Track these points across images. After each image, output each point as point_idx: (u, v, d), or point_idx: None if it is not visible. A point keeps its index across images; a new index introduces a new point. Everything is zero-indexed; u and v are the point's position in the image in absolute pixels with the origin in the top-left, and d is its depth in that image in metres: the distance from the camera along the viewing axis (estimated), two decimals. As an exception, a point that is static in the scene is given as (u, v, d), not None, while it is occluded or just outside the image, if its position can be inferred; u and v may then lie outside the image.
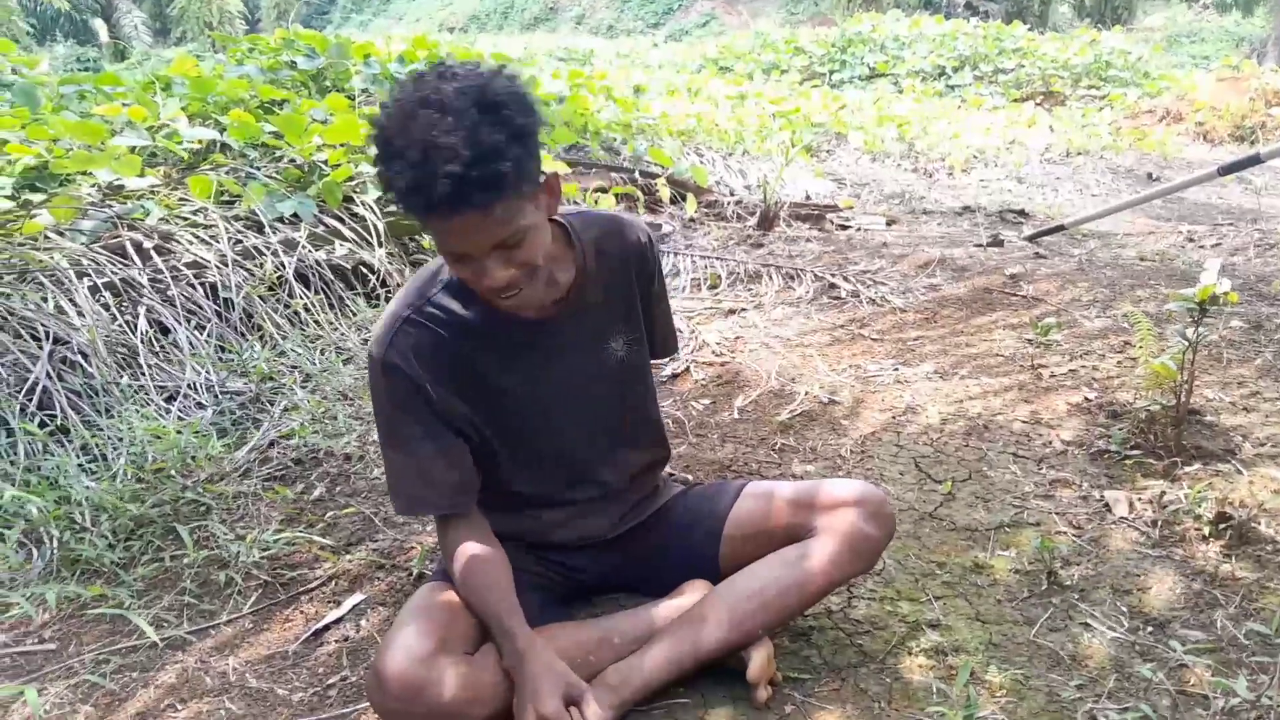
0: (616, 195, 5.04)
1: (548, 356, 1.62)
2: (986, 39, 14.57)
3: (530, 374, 1.61)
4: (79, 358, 2.85)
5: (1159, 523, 2.16)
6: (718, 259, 4.48)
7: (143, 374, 2.93)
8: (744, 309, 3.97)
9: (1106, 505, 2.27)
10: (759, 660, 1.59)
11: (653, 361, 1.84)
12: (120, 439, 2.60)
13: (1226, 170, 4.05)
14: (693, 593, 1.74)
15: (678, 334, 1.95)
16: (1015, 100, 12.07)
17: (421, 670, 1.41)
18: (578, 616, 1.77)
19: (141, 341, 3.02)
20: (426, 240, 4.12)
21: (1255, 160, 3.85)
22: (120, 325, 3.08)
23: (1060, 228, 5.06)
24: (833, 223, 5.50)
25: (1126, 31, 19.64)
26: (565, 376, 1.64)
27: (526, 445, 1.66)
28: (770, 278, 4.26)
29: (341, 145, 4.27)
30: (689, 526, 1.80)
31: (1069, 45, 14.71)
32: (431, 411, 1.56)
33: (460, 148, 1.23)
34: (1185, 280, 4.07)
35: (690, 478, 2.45)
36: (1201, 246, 5.00)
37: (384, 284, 3.85)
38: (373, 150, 1.32)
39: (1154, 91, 12.54)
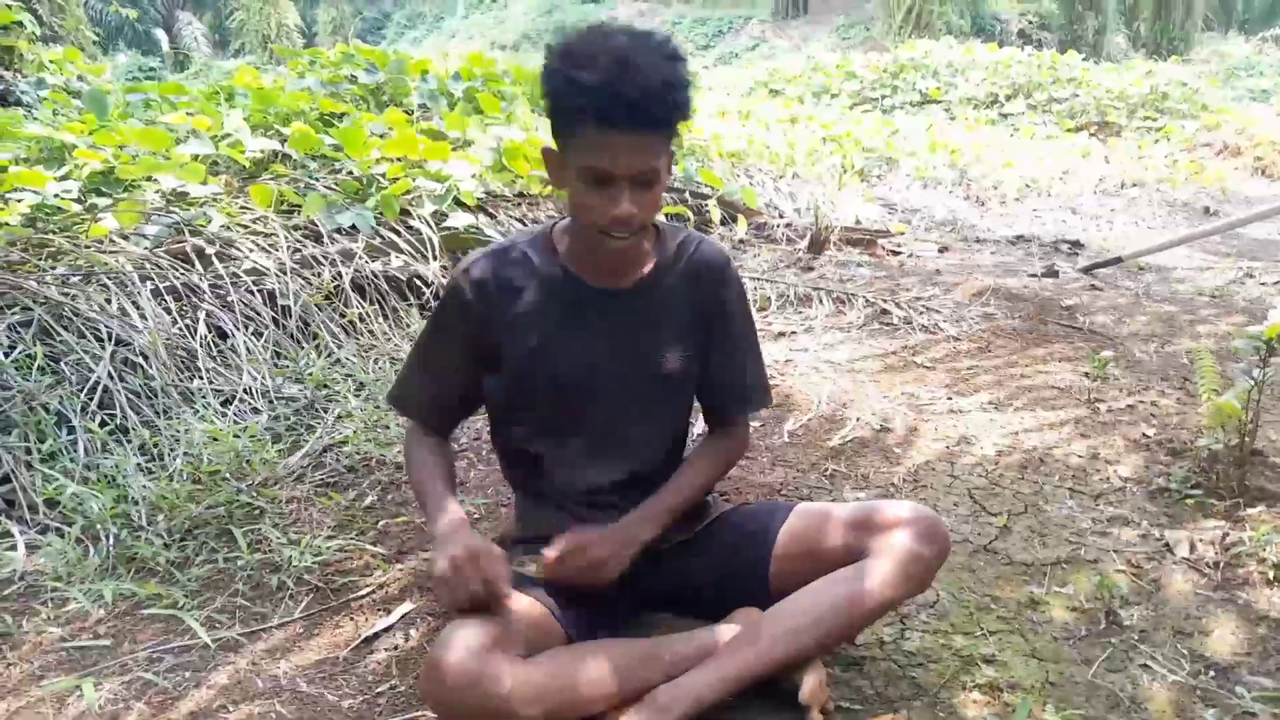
0: (667, 215, 5.06)
1: (603, 331, 1.67)
2: (1040, 68, 14.44)
3: (582, 342, 1.67)
4: (140, 359, 2.90)
5: (1221, 565, 2.11)
6: (768, 281, 4.47)
7: (200, 377, 2.98)
8: (794, 332, 3.95)
9: (1167, 545, 2.23)
10: (812, 683, 1.57)
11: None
12: (177, 440, 2.64)
13: (1292, 206, 3.97)
14: (744, 619, 1.72)
15: (764, 387, 1.88)
16: (1069, 130, 11.94)
17: (478, 664, 1.40)
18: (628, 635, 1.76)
19: (200, 345, 3.07)
20: (479, 254, 4.16)
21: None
22: (180, 329, 3.13)
23: (1117, 260, 4.99)
24: (884, 248, 5.47)
25: (1183, 63, 19.38)
26: (610, 352, 1.68)
27: (554, 414, 1.71)
28: (821, 301, 4.24)
29: (399, 159, 4.34)
30: (738, 545, 1.79)
31: (1124, 76, 14.54)
32: (463, 337, 1.68)
33: (658, 69, 1.38)
34: (1246, 317, 3.99)
35: (730, 499, 2.44)
36: (1262, 283, 4.90)
37: (437, 296, 3.88)
38: (552, 63, 1.43)
39: (1211, 125, 12.33)
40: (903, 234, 6.02)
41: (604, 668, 1.50)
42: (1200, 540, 2.21)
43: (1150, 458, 2.69)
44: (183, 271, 3.33)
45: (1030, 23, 26.72)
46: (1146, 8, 26.01)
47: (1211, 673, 1.76)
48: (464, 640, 1.42)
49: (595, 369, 1.68)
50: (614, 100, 1.37)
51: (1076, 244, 6.01)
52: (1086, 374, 3.39)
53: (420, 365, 1.76)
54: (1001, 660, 1.80)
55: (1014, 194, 7.88)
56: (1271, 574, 2.02)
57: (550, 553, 1.61)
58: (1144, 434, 2.84)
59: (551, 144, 1.54)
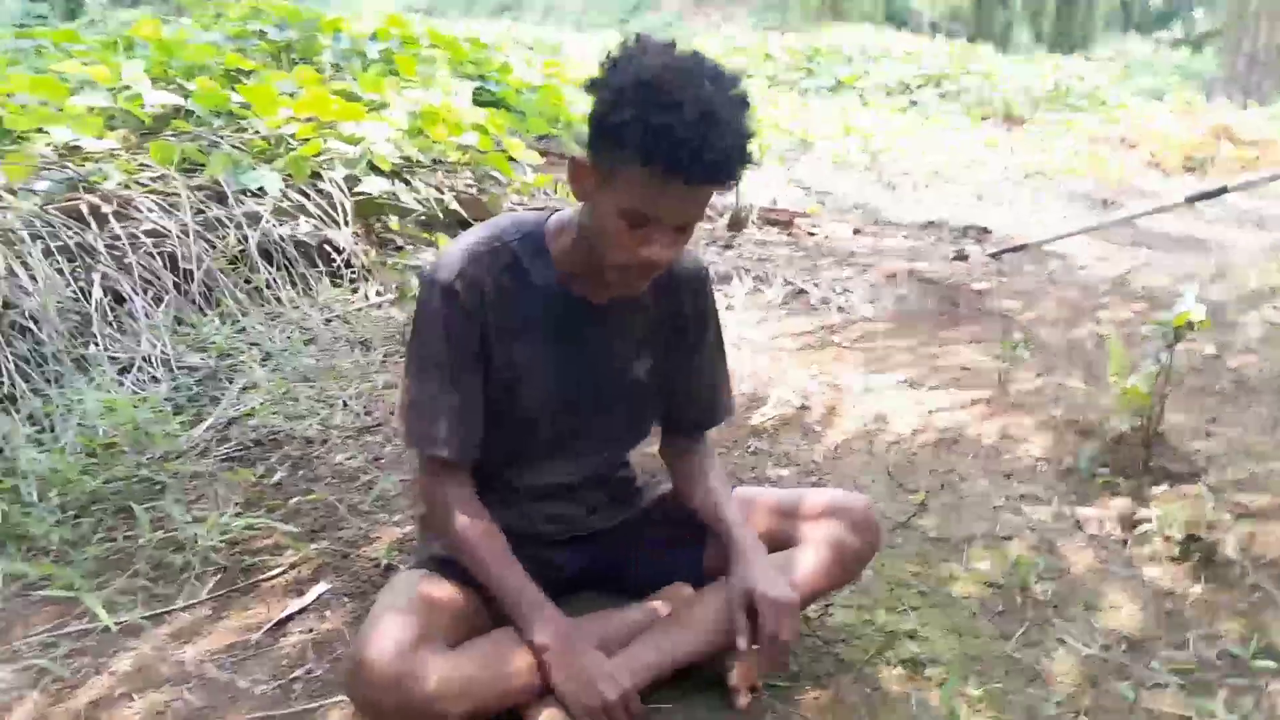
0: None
1: (583, 345, 1.58)
2: (951, 58, 14.74)
3: (561, 353, 1.57)
4: (30, 323, 2.73)
5: (1129, 542, 2.18)
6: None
7: (96, 343, 2.82)
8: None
9: (1077, 522, 2.29)
10: (742, 667, 1.56)
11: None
12: (70, 410, 2.49)
13: (1195, 199, 4.13)
14: (675, 597, 1.71)
15: (730, 399, 1.81)
16: (977, 120, 12.22)
17: (402, 662, 1.36)
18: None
19: (95, 310, 2.91)
20: (395, 222, 4.04)
21: (1223, 191, 3.93)
22: (74, 291, 2.95)
23: (1024, 246, 5.12)
24: (801, 228, 5.51)
25: (1086, 59, 20.03)
26: (589, 367, 1.60)
27: (523, 415, 1.60)
28: (740, 279, 4.24)
29: (310, 119, 4.17)
30: (673, 528, 1.77)
31: (1030, 69, 14.96)
32: (473, 351, 1.51)
33: (740, 127, 1.29)
34: (1144, 303, 4.14)
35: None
36: (1158, 272, 5.09)
37: (348, 264, 3.75)
38: (620, 87, 1.27)
39: (1111, 120, 12.77)
40: (818, 215, 6.07)
41: (529, 655, 1.46)
42: (1108, 518, 2.28)
43: (1059, 438, 2.76)
44: (77, 231, 3.14)
45: (942, 14, 27.28)
46: (1051, 4, 26.79)
47: (1123, 646, 1.81)
48: (388, 634, 1.37)
49: (576, 383, 1.60)
50: (693, 157, 1.24)
51: (984, 230, 6.15)
52: (997, 356, 3.47)
53: (435, 389, 1.51)
54: (923, 635, 1.83)
55: (924, 180, 8.03)
56: (1175, 551, 2.10)
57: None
58: (1052, 415, 2.91)
59: (583, 156, 1.39)
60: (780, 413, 2.86)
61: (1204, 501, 2.29)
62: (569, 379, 1.59)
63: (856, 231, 5.78)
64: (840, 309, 4.00)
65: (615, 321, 1.59)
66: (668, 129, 1.24)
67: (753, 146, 1.33)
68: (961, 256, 5.08)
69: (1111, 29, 29.50)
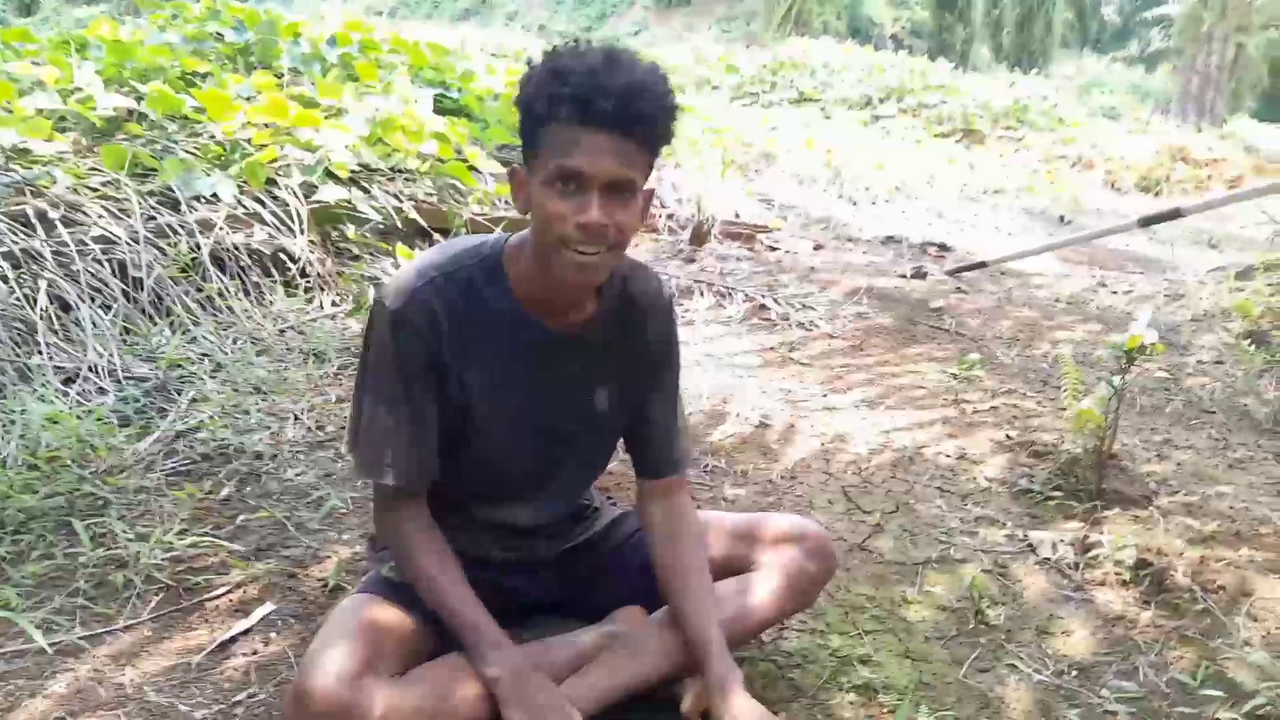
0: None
1: (542, 373, 1.53)
2: (913, 73, 14.93)
3: (519, 381, 1.53)
4: (-30, 331, 2.65)
5: (1080, 566, 2.20)
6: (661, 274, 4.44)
7: (40, 353, 2.74)
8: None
9: (1030, 546, 2.31)
10: (694, 692, 1.55)
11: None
12: (12, 422, 2.42)
13: (1147, 222, 4.20)
14: (626, 620, 1.69)
15: (687, 450, 1.72)
16: (937, 135, 12.38)
17: (347, 692, 1.32)
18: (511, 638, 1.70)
19: (40, 318, 2.83)
20: (352, 231, 3.99)
21: (1176, 214, 4.00)
22: (18, 299, 2.87)
23: (982, 264, 5.18)
24: (762, 243, 5.53)
25: (1044, 77, 20.38)
26: (548, 398, 1.56)
27: (481, 449, 1.57)
28: (701, 294, 4.25)
29: (267, 125, 4.11)
30: (628, 551, 1.75)
31: (989, 86, 15.20)
32: (424, 379, 1.47)
33: (644, 72, 1.32)
34: (1100, 324, 4.21)
35: (617, 503, 2.40)
36: (1114, 292, 5.18)
37: (304, 273, 3.70)
38: (540, 61, 1.35)
39: (1067, 139, 13.02)
40: (780, 230, 6.10)
41: (477, 684, 1.43)
42: (1061, 541, 2.30)
43: (1014, 459, 2.79)
44: (22, 236, 3.06)
45: (903, 29, 27.64)
46: (1010, 21, 27.24)
47: (1074, 672, 1.82)
48: (332, 664, 1.33)
49: (534, 415, 1.55)
50: (597, 89, 1.28)
51: (943, 246, 6.23)
52: (954, 375, 3.50)
53: (391, 418, 1.47)
54: (876, 661, 1.82)
55: (884, 195, 8.12)
56: (1126, 575, 2.12)
57: None
58: (1007, 435, 2.94)
59: (519, 165, 1.41)
60: (739, 430, 2.86)
61: (1155, 526, 2.33)
62: (526, 406, 1.55)
63: (818, 247, 5.82)
64: (801, 325, 4.01)
65: (575, 348, 1.54)
66: (566, 74, 1.30)
67: (666, 105, 1.34)
68: (920, 274, 5.13)
69: (1070, 47, 30.06)
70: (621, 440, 1.72)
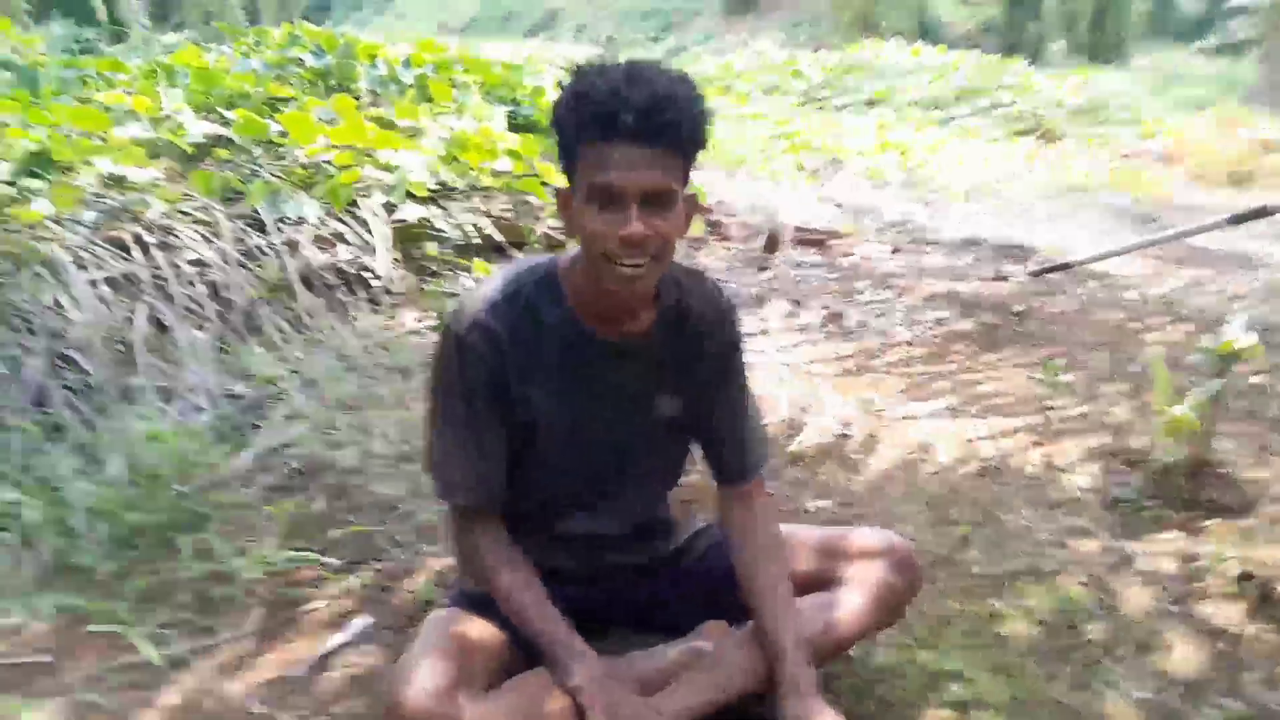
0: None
1: (606, 385, 1.56)
2: (985, 72, 14.64)
3: (584, 395, 1.55)
4: (75, 353, 2.77)
5: (1180, 578, 2.13)
6: (723, 281, 4.44)
7: (140, 373, 2.86)
8: (750, 333, 3.93)
9: (1125, 557, 2.24)
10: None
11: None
12: (116, 441, 2.52)
13: (1236, 220, 4.06)
14: (710, 635, 1.69)
15: (761, 454, 1.72)
16: (1013, 134, 12.13)
17: (439, 707, 1.35)
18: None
19: (140, 339, 2.95)
20: (432, 248, 4.07)
21: (1264, 212, 3.86)
22: (119, 321, 3.00)
23: (1067, 265, 5.06)
24: (837, 249, 5.48)
25: (1123, 71, 19.84)
26: (611, 409, 1.58)
27: (550, 462, 1.60)
28: (776, 303, 4.22)
29: (347, 147, 4.22)
30: (709, 564, 1.75)
31: (1065, 82, 14.82)
32: (491, 401, 1.51)
33: (666, 81, 1.34)
34: (1192, 325, 4.07)
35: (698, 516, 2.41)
36: (1205, 292, 5.01)
37: (388, 291, 3.78)
38: (567, 80, 1.38)
39: (1148, 133, 12.64)
40: (854, 235, 6.04)
41: (564, 697, 1.45)
42: (1158, 553, 2.23)
43: (1105, 467, 2.72)
44: (121, 260, 3.20)
45: (974, 27, 27.15)
46: (1085, 16, 26.55)
47: (1177, 689, 1.77)
48: (423, 680, 1.36)
49: (602, 427, 1.58)
50: (619, 105, 1.30)
51: (1024, 248, 6.09)
52: (1039, 380, 3.43)
53: (464, 440, 1.53)
54: (967, 676, 1.80)
55: (961, 197, 7.97)
56: (1230, 588, 2.05)
57: None
58: (1098, 443, 2.87)
59: (565, 185, 1.45)
60: (819, 441, 2.84)
61: (1258, 536, 2.25)
62: (589, 418, 1.57)
63: (894, 251, 5.74)
64: (878, 332, 3.97)
65: (635, 358, 1.57)
66: (590, 94, 1.33)
67: (693, 109, 1.35)
68: (1001, 277, 5.02)
69: (1147, 39, 29.18)
70: (698, 451, 1.74)
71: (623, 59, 1.38)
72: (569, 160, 1.40)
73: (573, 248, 1.54)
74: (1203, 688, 1.77)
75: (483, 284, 1.56)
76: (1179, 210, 8.26)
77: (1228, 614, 2.00)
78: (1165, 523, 2.37)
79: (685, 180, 1.42)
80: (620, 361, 1.56)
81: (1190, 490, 2.45)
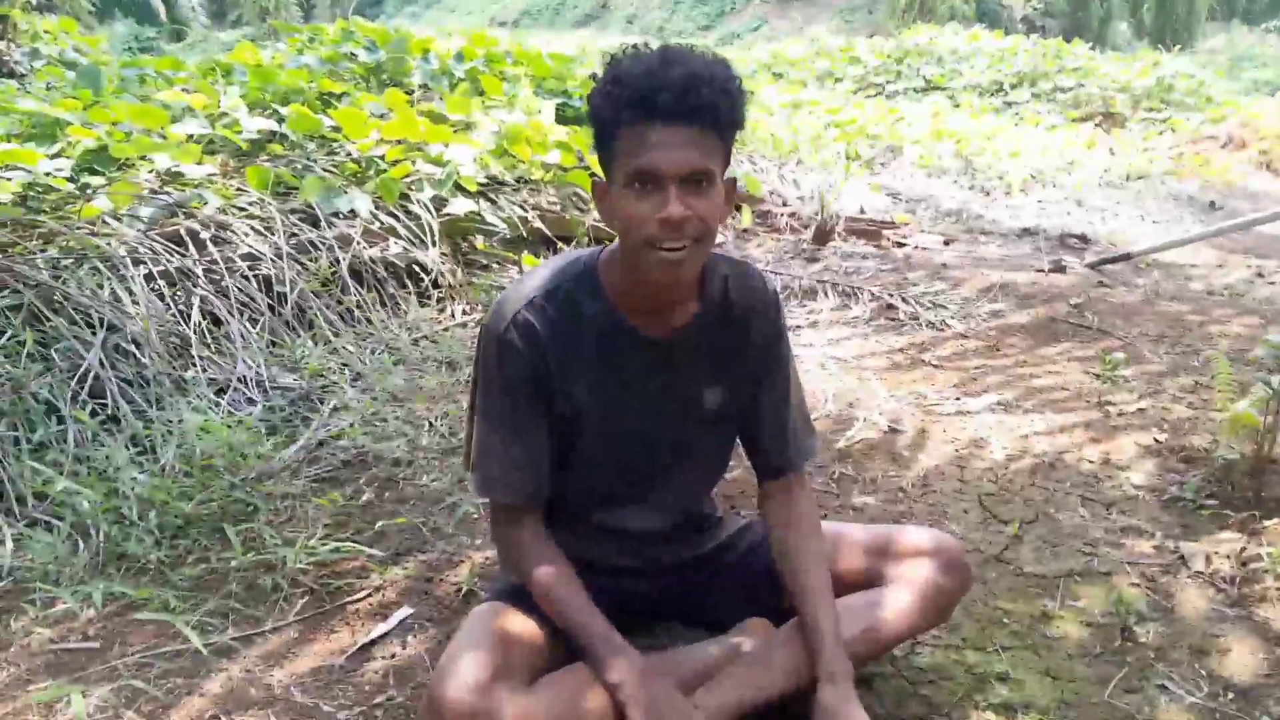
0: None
1: (648, 378, 1.55)
2: (1046, 56, 14.31)
3: (626, 389, 1.55)
4: (132, 346, 2.84)
5: (1238, 580, 2.06)
6: (772, 272, 4.40)
7: (194, 365, 2.92)
8: (799, 326, 3.89)
9: (1182, 558, 2.18)
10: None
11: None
12: (170, 431, 2.58)
13: (1308, 207, 3.90)
14: (753, 633, 1.67)
15: (805, 445, 1.69)
16: (1074, 120, 11.84)
17: (479, 701, 1.35)
18: (635, 646, 1.71)
19: (194, 332, 3.01)
20: (481, 242, 4.09)
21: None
22: (174, 314, 3.06)
23: (1127, 256, 4.93)
24: (889, 239, 5.40)
25: (1188, 54, 19.27)
26: (655, 403, 1.57)
27: (594, 456, 1.60)
28: (826, 295, 4.18)
29: (399, 142, 4.26)
30: (752, 561, 1.74)
31: (1129, 65, 14.43)
32: (534, 398, 1.52)
33: (702, 62, 1.34)
34: (1257, 318, 3.94)
35: (742, 512, 2.39)
36: (1271, 283, 4.85)
37: (436, 284, 3.82)
38: (603, 68, 1.38)
39: (1216, 117, 12.25)
40: (908, 225, 5.95)
41: (605, 693, 1.45)
42: (1216, 554, 2.16)
43: (1163, 465, 2.64)
44: (177, 255, 3.26)
45: (1035, 9, 26.57)
46: (1151, -4, 25.86)
47: (1230, 694, 1.71)
48: (464, 673, 1.37)
49: (645, 420, 1.57)
50: (654, 88, 1.30)
51: (1083, 238, 5.95)
52: (1096, 375, 3.34)
53: (504, 438, 1.53)
54: (1015, 678, 1.75)
55: (1019, 185, 7.80)
56: (1291, 592, 1.98)
57: None
58: (1156, 439, 2.79)
59: (600, 179, 1.45)
60: (867, 436, 2.80)
61: (1322, 537, 2.16)
62: (633, 412, 1.56)
63: (948, 242, 5.64)
64: (931, 325, 3.90)
65: (678, 351, 1.55)
66: (625, 78, 1.32)
67: (730, 89, 1.34)
68: (1059, 268, 4.91)
69: (1217, 19, 28.32)
70: (741, 443, 1.72)
71: (657, 46, 1.38)
72: (605, 149, 1.39)
73: (597, 247, 1.54)
74: (1260, 694, 1.71)
75: (522, 280, 1.56)
76: (1246, 197, 8.02)
77: (1289, 618, 1.93)
78: (1224, 522, 2.29)
79: (726, 162, 1.40)
80: (665, 355, 1.55)
81: (1251, 489, 2.37)
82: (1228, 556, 2.15)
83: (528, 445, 1.53)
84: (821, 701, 1.47)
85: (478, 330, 3.57)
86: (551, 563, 1.53)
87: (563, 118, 5.45)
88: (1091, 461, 2.67)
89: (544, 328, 1.48)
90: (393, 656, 1.83)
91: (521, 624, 1.53)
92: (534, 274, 1.55)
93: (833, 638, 1.50)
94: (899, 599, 1.59)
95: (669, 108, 1.30)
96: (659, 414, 1.58)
